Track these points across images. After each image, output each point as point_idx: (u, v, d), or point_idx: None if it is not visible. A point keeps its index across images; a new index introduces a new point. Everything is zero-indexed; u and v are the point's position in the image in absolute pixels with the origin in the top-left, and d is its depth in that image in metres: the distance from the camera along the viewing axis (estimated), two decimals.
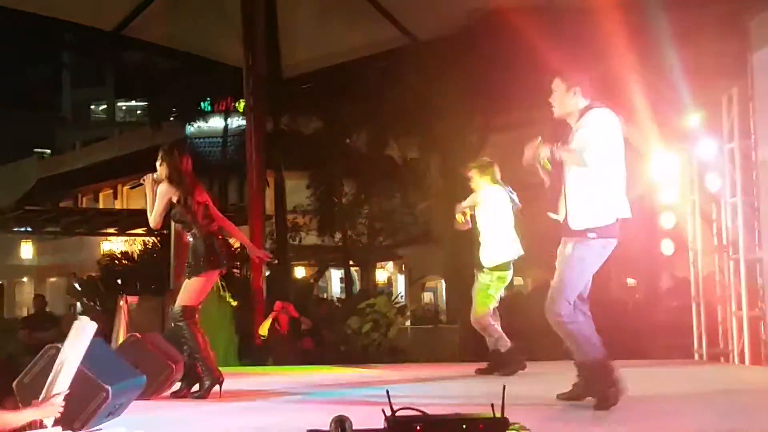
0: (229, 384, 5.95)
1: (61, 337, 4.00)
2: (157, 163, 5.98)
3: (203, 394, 5.76)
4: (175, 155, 6.00)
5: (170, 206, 5.93)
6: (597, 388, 4.80)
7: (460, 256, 9.78)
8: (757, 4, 8.20)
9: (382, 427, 3.29)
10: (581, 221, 4.73)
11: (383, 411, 3.33)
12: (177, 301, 5.85)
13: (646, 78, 9.88)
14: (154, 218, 5.92)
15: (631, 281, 15.87)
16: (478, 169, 7.15)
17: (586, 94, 4.81)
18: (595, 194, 4.73)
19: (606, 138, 4.72)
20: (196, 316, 5.85)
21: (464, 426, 3.24)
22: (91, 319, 3.97)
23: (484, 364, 7.24)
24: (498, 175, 7.15)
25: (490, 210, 7.08)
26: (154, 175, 5.97)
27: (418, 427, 3.22)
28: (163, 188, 5.90)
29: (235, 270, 16.77)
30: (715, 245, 8.63)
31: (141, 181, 6.07)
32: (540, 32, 10.53)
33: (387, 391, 3.38)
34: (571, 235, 4.78)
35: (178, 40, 12.83)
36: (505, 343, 7.08)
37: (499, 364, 7.05)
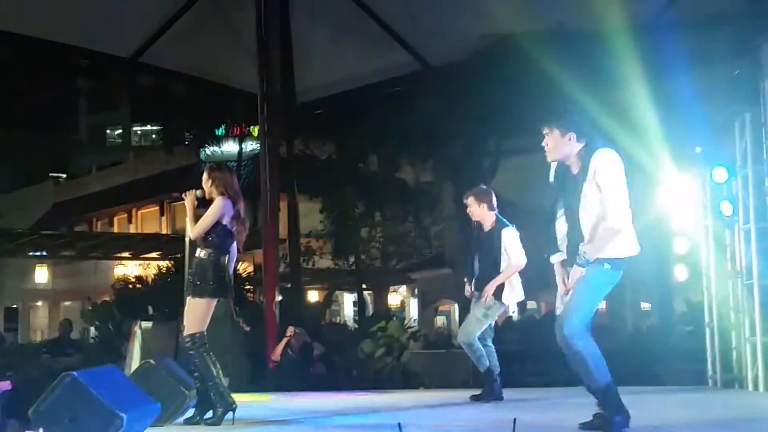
0: (241, 411, 5.94)
1: (85, 363, 4.02)
2: (205, 182, 5.83)
3: (216, 422, 5.76)
4: (226, 172, 5.91)
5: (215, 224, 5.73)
6: (607, 415, 4.70)
7: None
8: None
9: None
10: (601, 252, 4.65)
11: None
12: (185, 329, 5.83)
13: (659, 103, 9.91)
14: (199, 232, 5.73)
15: (645, 305, 15.82)
16: (475, 197, 7.13)
17: (582, 138, 4.76)
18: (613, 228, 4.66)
19: (619, 176, 4.69)
20: (205, 341, 5.82)
21: None
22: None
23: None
24: (494, 203, 7.13)
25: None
26: (198, 192, 5.85)
27: None
28: (220, 203, 5.73)
29: (248, 294, 16.80)
30: (729, 270, 8.60)
31: (183, 196, 5.95)
32: (551, 56, 10.60)
33: (399, 424, 3.38)
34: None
35: (194, 66, 12.95)
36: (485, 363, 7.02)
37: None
